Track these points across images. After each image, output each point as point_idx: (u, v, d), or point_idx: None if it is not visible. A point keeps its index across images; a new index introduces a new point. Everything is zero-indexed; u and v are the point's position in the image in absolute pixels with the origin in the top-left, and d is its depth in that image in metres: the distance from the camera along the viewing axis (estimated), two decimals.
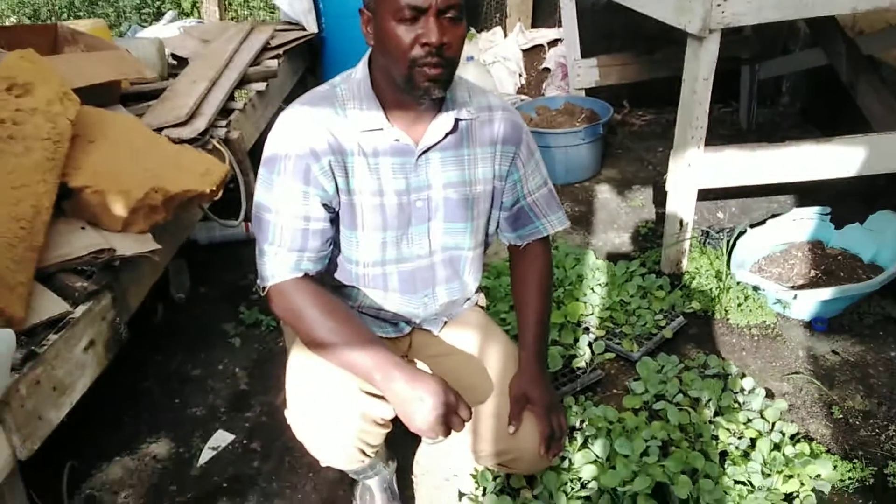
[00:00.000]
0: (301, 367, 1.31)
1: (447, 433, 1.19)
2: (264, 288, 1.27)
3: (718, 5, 2.01)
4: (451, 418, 1.18)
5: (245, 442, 1.85)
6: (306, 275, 1.26)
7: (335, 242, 1.34)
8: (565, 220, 1.49)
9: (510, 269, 1.56)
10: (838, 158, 2.30)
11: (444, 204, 1.34)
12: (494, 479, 1.63)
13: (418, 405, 1.16)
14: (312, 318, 1.22)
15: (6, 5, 6.31)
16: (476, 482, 1.65)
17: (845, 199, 2.70)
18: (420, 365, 1.52)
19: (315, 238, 1.25)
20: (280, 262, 1.24)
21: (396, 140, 1.26)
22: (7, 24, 5.63)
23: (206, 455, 1.80)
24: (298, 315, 1.23)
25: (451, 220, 1.35)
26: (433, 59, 1.14)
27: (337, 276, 1.39)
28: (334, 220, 1.29)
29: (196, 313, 2.39)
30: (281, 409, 1.35)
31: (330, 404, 1.25)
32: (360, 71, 1.27)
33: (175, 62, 3.25)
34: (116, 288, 1.72)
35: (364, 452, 1.35)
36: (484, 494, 1.63)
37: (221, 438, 1.84)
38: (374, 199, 1.28)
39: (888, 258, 2.31)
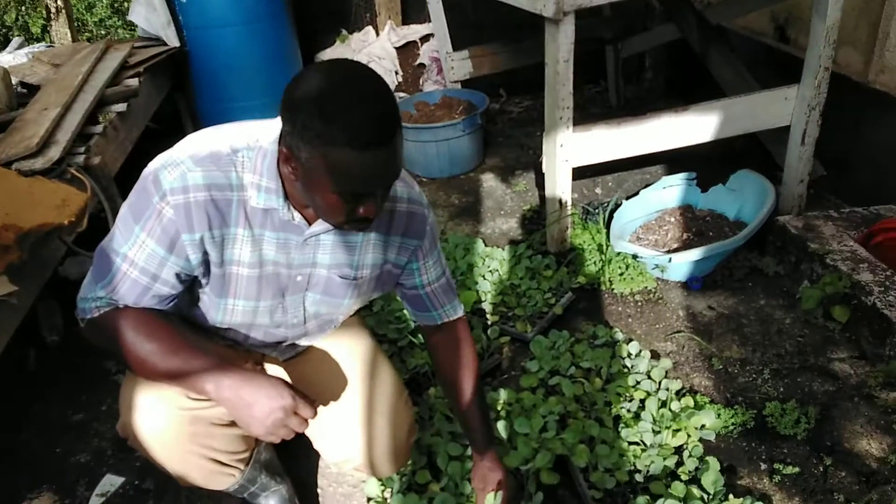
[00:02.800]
0: (130, 388, 1.26)
1: (289, 435, 1.14)
2: (83, 320, 1.18)
3: None
4: (289, 420, 1.12)
5: (137, 483, 1.75)
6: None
7: (196, 299, 1.26)
8: (460, 308, 1.47)
9: (430, 351, 1.51)
10: (696, 125, 2.44)
11: (326, 282, 1.28)
12: (401, 477, 1.63)
13: (253, 410, 1.11)
14: (132, 342, 1.13)
15: None
16: (382, 484, 1.64)
17: (709, 163, 2.87)
18: (273, 369, 1.50)
19: (152, 299, 1.16)
20: (106, 304, 1.16)
21: (290, 219, 1.17)
22: None
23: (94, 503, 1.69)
24: (117, 343, 1.14)
25: (329, 294, 1.30)
26: (365, 225, 1.12)
27: (196, 320, 1.30)
28: (183, 283, 1.19)
29: (73, 354, 2.24)
30: None
31: (158, 418, 1.22)
32: (269, 143, 1.13)
33: (25, 90, 3.03)
34: None
35: (223, 463, 1.32)
36: (391, 495, 1.61)
37: (110, 483, 1.73)
38: (251, 271, 1.21)
39: (750, 213, 2.47)
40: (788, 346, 2.02)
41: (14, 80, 2.96)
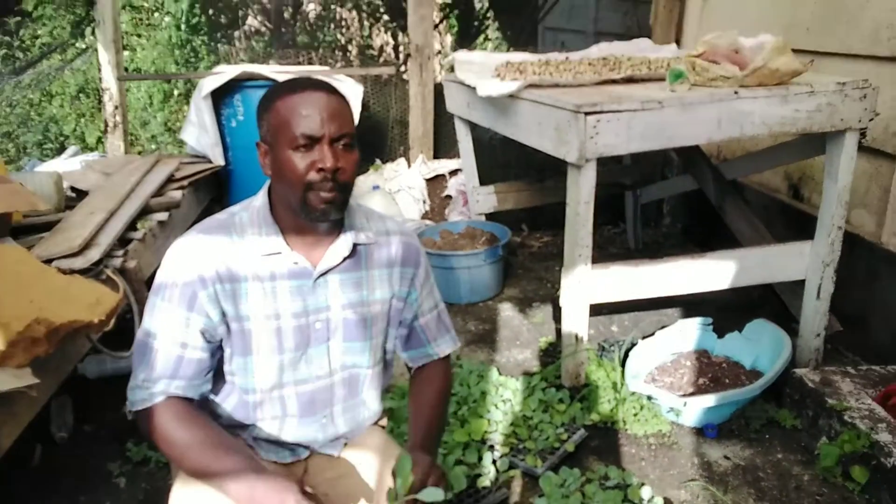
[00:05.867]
0: (182, 497, 1.25)
1: None
2: (131, 412, 1.25)
3: (591, 138, 2.22)
4: None
5: None
6: (177, 398, 1.24)
7: (228, 374, 1.32)
8: (454, 342, 1.52)
9: (409, 388, 1.56)
10: (712, 272, 2.51)
11: (343, 324, 1.35)
12: None
13: None
14: (175, 438, 1.20)
15: None
16: None
17: (725, 310, 2.90)
18: (319, 488, 1.47)
19: (188, 366, 1.24)
20: (148, 388, 1.23)
21: (295, 263, 1.29)
22: None
23: None
24: (163, 437, 1.21)
25: (350, 339, 1.37)
26: (328, 184, 1.22)
27: (232, 411, 1.36)
28: (215, 351, 1.29)
29: (79, 453, 2.22)
30: None
31: None
32: (260, 199, 1.32)
33: (74, 195, 3.21)
34: None
35: None
36: None
37: None
38: (269, 323, 1.29)
39: (766, 363, 2.48)
40: None
41: (66, 185, 3.15)
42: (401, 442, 2.04)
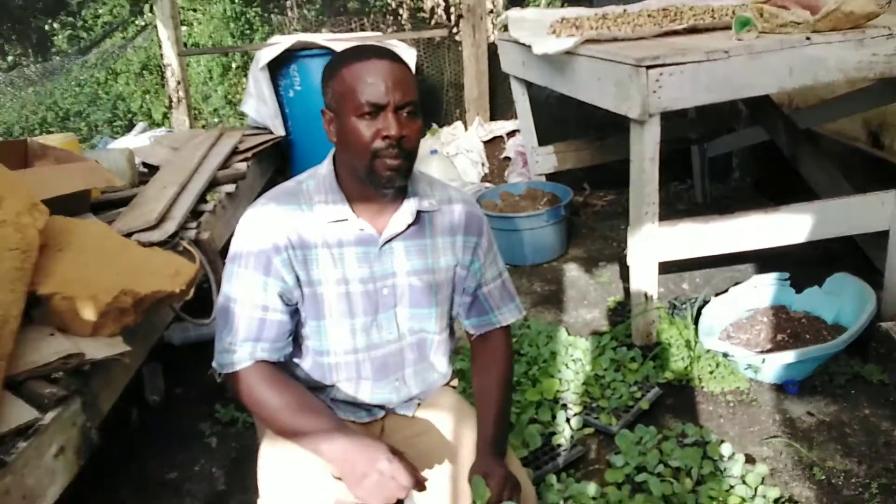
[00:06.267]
0: (271, 455, 1.31)
1: (389, 500, 1.16)
2: (220, 375, 1.30)
3: (654, 92, 2.15)
4: (386, 483, 1.15)
5: None
6: (263, 361, 1.28)
7: (303, 337, 1.36)
8: (518, 311, 1.51)
9: (471, 357, 1.56)
10: (787, 226, 2.42)
11: (409, 291, 1.37)
12: None
13: (355, 470, 1.17)
14: (264, 400, 1.25)
15: None
16: None
17: (803, 265, 2.80)
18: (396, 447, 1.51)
19: (271, 328, 1.28)
20: (235, 351, 1.27)
21: (361, 230, 1.31)
22: None
23: None
24: (253, 400, 1.26)
25: (416, 305, 1.38)
26: (393, 151, 1.22)
27: (309, 372, 1.40)
28: (293, 314, 1.32)
29: (171, 415, 2.34)
30: None
31: (302, 494, 1.24)
32: (325, 167, 1.34)
33: (146, 170, 3.32)
34: (87, 393, 1.69)
35: None
36: None
37: None
38: (338, 288, 1.32)
39: (849, 318, 2.39)
40: None
41: (137, 161, 3.26)
42: (472, 402, 2.08)
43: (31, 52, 6.91)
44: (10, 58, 7.11)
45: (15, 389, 1.54)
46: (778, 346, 2.38)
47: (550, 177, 3.87)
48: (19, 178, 2.03)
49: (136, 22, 6.31)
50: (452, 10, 5.17)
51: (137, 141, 4.07)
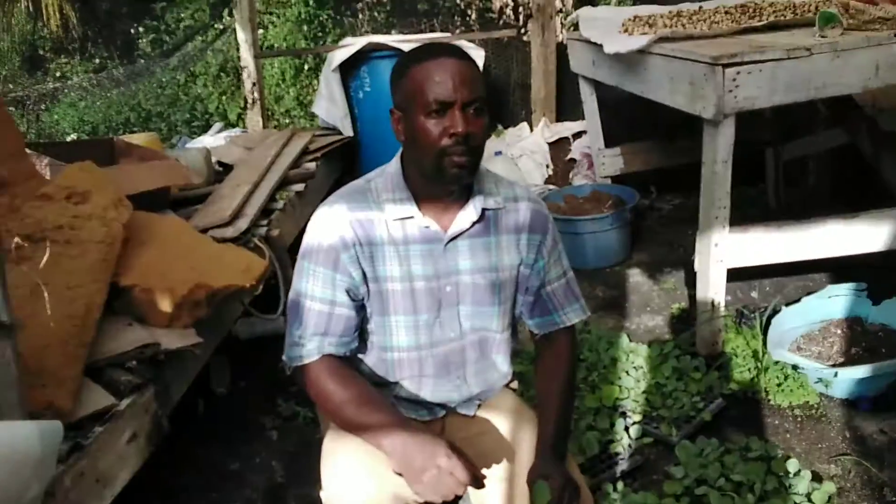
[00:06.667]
0: (334, 449, 1.34)
1: (447, 495, 1.18)
2: (290, 368, 1.36)
3: (731, 91, 2.09)
4: (444, 479, 1.16)
5: None
6: (331, 356, 1.32)
7: (368, 332, 1.39)
8: (583, 311, 1.50)
9: (534, 358, 1.56)
10: (866, 234, 2.31)
11: (473, 289, 1.38)
12: None
13: (414, 465, 1.19)
14: (330, 394, 1.30)
15: (67, 124, 6.85)
16: None
17: (881, 274, 2.66)
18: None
19: (338, 323, 1.32)
20: (304, 345, 1.32)
21: (427, 227, 1.34)
22: (68, 140, 6.09)
23: None
24: (320, 393, 1.31)
25: (479, 304, 1.40)
26: (460, 148, 1.24)
27: (373, 367, 1.43)
28: (360, 310, 1.36)
29: (235, 407, 2.43)
30: (317, 501, 1.36)
31: (363, 486, 1.27)
32: (394, 165, 1.38)
33: (221, 168, 3.46)
34: (160, 382, 1.79)
35: None
36: None
37: None
38: (403, 285, 1.35)
39: None
40: None
41: (213, 160, 3.40)
42: (532, 406, 2.07)
43: (117, 55, 7.29)
44: (97, 60, 7.52)
45: (94, 376, 1.64)
46: (851, 360, 2.28)
47: (616, 179, 3.81)
48: (107, 174, 2.16)
49: (216, 26, 6.57)
50: (521, 9, 5.15)
51: (214, 140, 4.24)
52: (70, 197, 1.94)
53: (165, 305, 1.88)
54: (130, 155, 2.87)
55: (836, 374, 2.12)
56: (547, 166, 4.41)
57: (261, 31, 5.50)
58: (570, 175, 4.33)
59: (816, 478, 1.87)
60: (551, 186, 4.24)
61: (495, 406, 1.56)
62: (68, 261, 1.77)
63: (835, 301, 2.52)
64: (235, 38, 4.65)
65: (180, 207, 2.79)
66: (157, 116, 6.48)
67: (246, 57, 4.51)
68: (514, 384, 1.68)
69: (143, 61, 7.02)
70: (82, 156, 2.29)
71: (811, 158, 3.96)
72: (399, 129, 1.32)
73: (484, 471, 1.40)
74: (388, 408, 1.31)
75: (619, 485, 1.86)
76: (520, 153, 4.41)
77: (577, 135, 4.47)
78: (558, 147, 4.52)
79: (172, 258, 2.05)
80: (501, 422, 1.52)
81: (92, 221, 1.91)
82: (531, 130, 4.65)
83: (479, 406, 1.55)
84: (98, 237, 1.88)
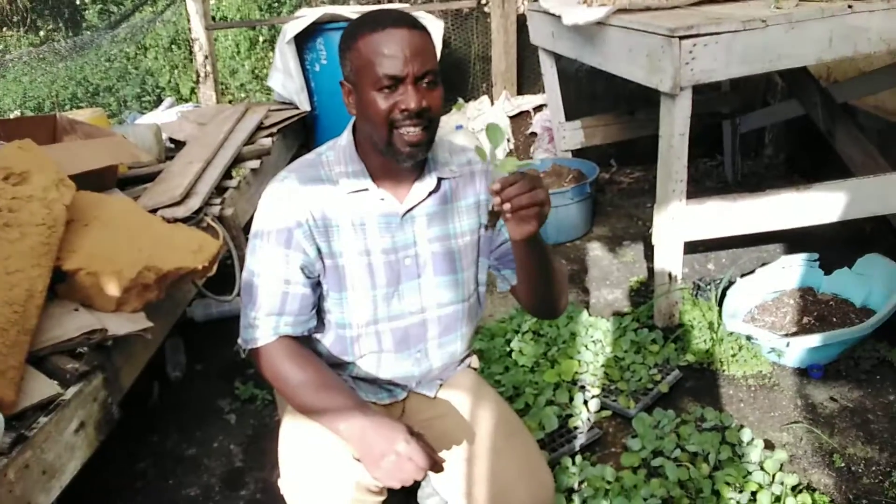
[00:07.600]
0: (293, 434, 1.32)
1: (406, 481, 1.17)
2: (245, 350, 1.33)
3: (687, 63, 2.09)
4: (403, 464, 1.15)
5: None
6: (287, 337, 1.29)
7: (325, 311, 1.37)
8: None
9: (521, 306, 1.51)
10: (820, 205, 2.34)
11: (432, 259, 1.37)
12: None
13: (372, 450, 1.17)
14: (286, 376, 1.27)
15: (10, 100, 6.56)
16: None
17: (833, 245, 2.72)
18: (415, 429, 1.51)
19: (293, 301, 1.30)
20: (258, 326, 1.29)
21: (382, 200, 1.31)
22: (11, 117, 5.84)
23: None
24: (276, 375, 1.29)
25: (439, 273, 1.38)
26: (413, 122, 1.21)
27: (330, 347, 1.41)
28: (316, 287, 1.33)
29: (192, 391, 2.39)
30: (276, 486, 1.34)
31: (323, 473, 1.25)
32: (345, 138, 1.34)
33: (173, 145, 3.35)
34: (108, 368, 1.73)
35: None
36: None
37: None
38: (360, 259, 1.32)
39: (879, 301, 2.32)
40: None
41: (164, 136, 3.29)
42: (492, 383, 2.07)
43: (63, 27, 6.98)
44: (41, 32, 7.20)
45: (38, 364, 1.59)
46: (803, 330, 2.33)
47: (577, 153, 3.81)
48: (47, 153, 2.06)
49: None
50: None
51: (165, 116, 4.11)
52: (7, 178, 1.85)
53: (112, 289, 1.82)
54: (74, 132, 2.75)
55: (788, 344, 2.16)
56: (508, 140, 4.39)
57: (213, 1, 5.31)
58: (532, 149, 4.32)
59: (769, 446, 1.91)
60: None
61: (455, 385, 1.55)
62: (7, 245, 1.69)
63: (788, 272, 2.57)
64: (186, 9, 4.48)
65: (129, 186, 2.69)
66: (106, 91, 6.25)
67: (197, 28, 4.36)
68: (475, 363, 1.67)
69: (89, 33, 6.74)
70: (22, 134, 2.18)
71: (768, 130, 4.02)
72: (350, 101, 1.29)
73: (444, 452, 1.40)
74: (347, 391, 1.29)
75: (578, 458, 1.88)
76: (481, 127, 4.37)
77: (539, 108, 4.45)
78: (519, 120, 4.50)
79: (119, 240, 1.98)
80: (462, 402, 1.52)
81: (32, 203, 1.82)
82: (492, 104, 4.61)
83: (440, 386, 1.54)
84: (38, 219, 1.79)
